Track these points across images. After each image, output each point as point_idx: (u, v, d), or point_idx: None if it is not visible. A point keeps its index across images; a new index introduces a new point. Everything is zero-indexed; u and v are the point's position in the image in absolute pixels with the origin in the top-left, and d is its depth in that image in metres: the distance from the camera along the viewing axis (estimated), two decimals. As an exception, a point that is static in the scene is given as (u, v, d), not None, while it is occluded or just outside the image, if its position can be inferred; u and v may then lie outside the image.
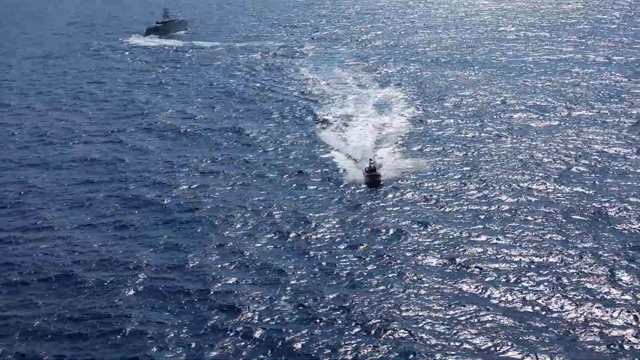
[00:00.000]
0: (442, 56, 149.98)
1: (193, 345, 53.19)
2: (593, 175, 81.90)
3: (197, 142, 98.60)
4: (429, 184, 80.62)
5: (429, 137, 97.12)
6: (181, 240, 69.20)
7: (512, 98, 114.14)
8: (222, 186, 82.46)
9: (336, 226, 71.23)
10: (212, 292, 59.87)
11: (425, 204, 75.89)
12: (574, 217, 71.46)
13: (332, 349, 52.15)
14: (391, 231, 69.83)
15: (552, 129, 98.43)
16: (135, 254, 66.50)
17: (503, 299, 57.95)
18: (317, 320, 55.54)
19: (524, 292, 58.71)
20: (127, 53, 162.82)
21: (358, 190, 79.46)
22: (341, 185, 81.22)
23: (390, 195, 78.01)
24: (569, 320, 54.89)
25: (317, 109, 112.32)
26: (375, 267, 63.40)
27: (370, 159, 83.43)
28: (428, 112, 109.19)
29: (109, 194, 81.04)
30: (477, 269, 62.38)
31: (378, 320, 55.32)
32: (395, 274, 62.05)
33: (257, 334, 54.17)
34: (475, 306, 56.81)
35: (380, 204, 76.15)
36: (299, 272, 62.59)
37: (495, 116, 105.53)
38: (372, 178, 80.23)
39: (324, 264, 64.07)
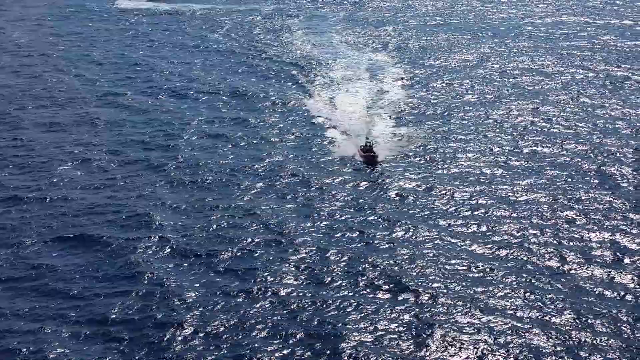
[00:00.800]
0: (436, 20, 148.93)
1: (202, 307, 53.41)
2: (594, 135, 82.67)
3: (196, 105, 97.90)
4: (430, 149, 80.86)
5: (425, 102, 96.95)
6: (186, 204, 69.15)
7: (512, 62, 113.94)
8: (224, 149, 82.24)
9: (340, 190, 71.45)
10: (219, 255, 60.05)
11: (427, 169, 76.17)
12: (577, 177, 72.50)
13: (340, 311, 52.59)
14: (395, 195, 70.22)
15: (552, 92, 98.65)
16: (142, 217, 66.45)
17: (511, 257, 58.83)
18: (325, 284, 55.95)
19: (530, 250, 59.68)
20: (119, 16, 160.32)
21: (357, 160, 78.94)
22: (341, 152, 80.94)
23: (391, 162, 77.91)
24: (575, 276, 56.13)
25: (312, 73, 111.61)
26: (380, 229, 63.83)
27: (367, 138, 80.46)
28: (424, 77, 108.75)
29: (111, 156, 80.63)
30: (484, 229, 63.17)
31: (385, 282, 55.82)
32: (402, 236, 62.54)
33: (266, 297, 54.52)
34: (483, 265, 57.65)
35: (382, 170, 76.06)
36: (305, 236, 62.85)
37: (494, 80, 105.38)
38: (369, 158, 77.02)
39: (330, 227, 64.39)
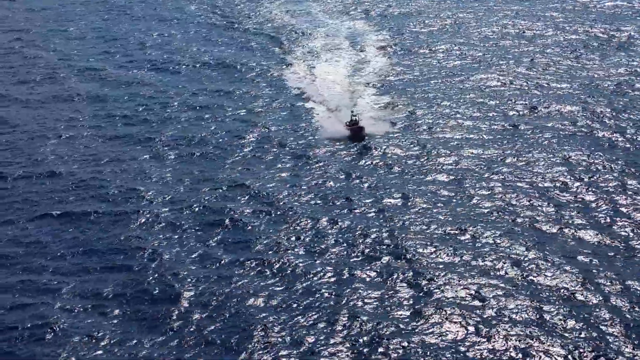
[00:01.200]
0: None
1: (196, 280, 53.46)
2: (576, 97, 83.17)
3: (178, 78, 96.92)
4: (414, 117, 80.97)
5: (407, 69, 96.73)
6: (174, 177, 68.99)
7: (493, 26, 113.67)
8: (208, 121, 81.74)
9: (328, 160, 71.59)
10: (211, 228, 60.10)
11: (413, 136, 76.29)
12: (561, 139, 73.22)
13: (334, 281, 52.92)
14: (382, 164, 70.55)
15: (534, 54, 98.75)
16: (130, 193, 66.21)
17: (499, 221, 59.31)
18: (318, 253, 56.20)
19: (518, 213, 60.17)
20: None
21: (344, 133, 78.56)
22: (325, 122, 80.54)
23: (376, 131, 77.51)
24: (563, 238, 56.76)
25: (293, 43, 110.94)
26: (370, 197, 64.08)
27: (352, 112, 79.08)
28: (405, 43, 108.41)
29: (95, 131, 79.89)
30: (472, 194, 63.61)
31: (378, 250, 56.22)
32: (391, 204, 62.81)
33: (259, 268, 54.71)
34: (473, 229, 58.08)
35: (368, 140, 75.85)
36: (296, 206, 62.95)
37: (475, 45, 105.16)
38: (356, 131, 76.21)
39: (319, 196, 64.61)
